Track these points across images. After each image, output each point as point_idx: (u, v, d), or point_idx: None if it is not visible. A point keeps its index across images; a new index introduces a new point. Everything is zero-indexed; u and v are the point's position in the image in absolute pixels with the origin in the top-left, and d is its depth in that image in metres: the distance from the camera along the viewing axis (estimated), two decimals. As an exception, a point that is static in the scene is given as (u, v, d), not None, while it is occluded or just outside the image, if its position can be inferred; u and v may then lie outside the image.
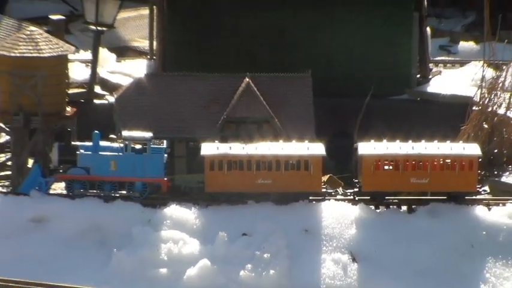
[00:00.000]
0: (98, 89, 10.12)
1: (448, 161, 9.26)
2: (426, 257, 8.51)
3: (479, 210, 8.87)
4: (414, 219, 8.83)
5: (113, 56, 12.24)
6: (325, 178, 9.34)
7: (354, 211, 8.77)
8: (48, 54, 9.19)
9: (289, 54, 10.41)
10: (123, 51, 12.46)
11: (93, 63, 9.63)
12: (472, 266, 8.75)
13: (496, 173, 9.71)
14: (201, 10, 10.17)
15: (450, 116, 10.13)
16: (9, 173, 9.03)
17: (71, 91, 9.55)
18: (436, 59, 11.82)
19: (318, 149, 9.01)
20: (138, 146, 8.84)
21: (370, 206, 8.90)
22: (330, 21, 10.67)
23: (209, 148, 8.96)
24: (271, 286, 7.90)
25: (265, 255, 8.19)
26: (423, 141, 9.55)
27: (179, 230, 8.37)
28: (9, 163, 9.44)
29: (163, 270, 8.12)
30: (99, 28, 10.05)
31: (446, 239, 8.69)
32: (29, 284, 7.06)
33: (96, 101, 9.96)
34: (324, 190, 9.10)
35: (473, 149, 9.40)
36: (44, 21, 11.34)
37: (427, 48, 10.77)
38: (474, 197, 9.15)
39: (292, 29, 10.56)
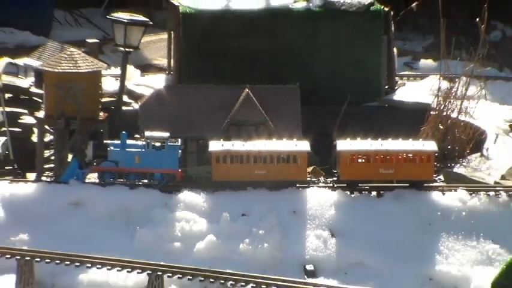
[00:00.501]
0: (125, 98, 10.19)
1: (410, 155, 9.30)
2: (391, 233, 8.48)
3: (435, 195, 8.92)
4: (382, 202, 8.86)
5: (138, 71, 12.22)
6: (309, 169, 9.36)
7: (333, 196, 8.79)
8: (85, 70, 9.25)
9: (282, 70, 10.43)
10: (146, 67, 12.45)
11: (122, 77, 9.65)
12: (429, 240, 8.74)
13: (449, 165, 9.75)
14: (210, 35, 10.18)
15: (412, 119, 10.22)
16: (52, 165, 9.13)
17: (103, 100, 9.65)
18: (401, 73, 11.93)
19: (304, 146, 9.03)
20: (157, 144, 8.95)
21: (346, 192, 8.91)
22: (316, 46, 10.67)
23: (215, 145, 8.99)
24: (265, 257, 7.92)
25: (260, 232, 8.22)
26: (390, 139, 9.64)
27: (190, 212, 8.43)
28: (52, 158, 9.50)
29: (177, 244, 8.13)
30: (126, 49, 10.06)
31: (408, 218, 8.68)
32: (68, 256, 7.07)
33: (124, 108, 10.03)
34: (308, 179, 9.15)
35: (430, 146, 9.45)
36: (82, 43, 11.41)
37: (394, 64, 10.80)
38: (431, 184, 9.23)
39: (284, 51, 10.58)
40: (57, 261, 6.72)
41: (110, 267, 6.81)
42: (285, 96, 9.50)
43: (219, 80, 9.54)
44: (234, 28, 10.03)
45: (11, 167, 9.13)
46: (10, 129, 9.34)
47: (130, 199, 8.46)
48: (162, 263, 6.52)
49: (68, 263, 6.72)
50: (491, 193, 8.59)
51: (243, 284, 6.43)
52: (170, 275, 6.53)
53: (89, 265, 6.84)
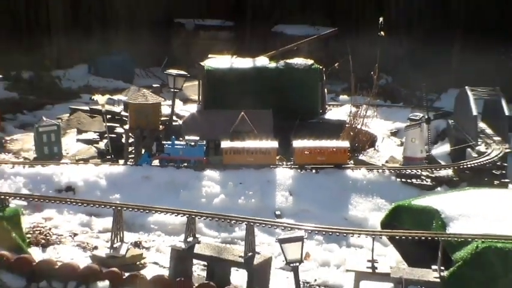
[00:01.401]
0: (174, 118, 10.30)
1: (334, 149, 9.51)
2: (323, 194, 8.45)
3: (348, 172, 8.80)
4: (318, 176, 8.84)
5: (181, 103, 12.31)
6: (277, 158, 9.50)
7: (290, 172, 8.76)
8: (151, 102, 9.39)
9: (265, 101, 10.26)
10: (186, 100, 12.61)
11: (172, 106, 9.76)
12: (345, 198, 8.51)
13: (356, 155, 9.57)
14: (222, 81, 10.26)
15: (335, 130, 10.09)
16: (133, 156, 9.09)
17: (162, 118, 9.82)
18: (329, 103, 11.98)
19: (274, 144, 8.88)
20: (192, 143, 8.82)
21: (298, 170, 8.86)
22: (283, 87, 10.48)
23: (225, 144, 8.92)
24: (253, 207, 7.92)
25: (250, 193, 8.26)
26: (323, 140, 9.83)
27: (210, 181, 8.46)
28: (133, 152, 9.52)
29: (203, 200, 8.17)
30: (175, 90, 10.25)
31: (333, 185, 8.65)
32: (142, 206, 7.24)
33: (173, 123, 10.12)
34: (277, 163, 9.35)
35: (345, 144, 9.56)
36: (149, 87, 11.49)
37: (325, 98, 10.81)
38: (346, 166, 9.04)
39: (265, 90, 10.28)
40: (135, 210, 6.69)
41: (165, 213, 6.79)
42: (264, 116, 9.64)
43: (227, 107, 9.65)
44: (235, 78, 10.12)
45: (109, 157, 9.34)
46: (110, 135, 9.66)
47: (177, 175, 8.53)
48: (194, 211, 6.43)
49: (142, 211, 6.72)
50: (380, 170, 8.70)
51: (240, 222, 6.46)
52: (199, 217, 6.50)
53: (153, 212, 6.85)
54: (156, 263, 6.15)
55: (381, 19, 10.78)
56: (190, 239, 5.78)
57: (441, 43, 13.98)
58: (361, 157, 9.24)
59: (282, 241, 4.99)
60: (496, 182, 7.67)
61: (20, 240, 5.68)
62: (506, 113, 8.91)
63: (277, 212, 7.68)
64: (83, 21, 12.00)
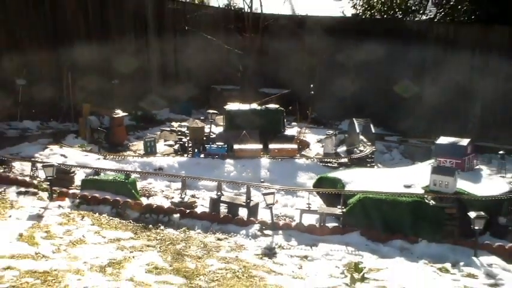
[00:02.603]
0: (211, 134, 9.18)
1: (290, 148, 8.36)
2: (285, 172, 7.73)
3: (297, 160, 8.07)
4: (282, 162, 8.06)
5: (214, 126, 9.54)
6: (262, 153, 8.28)
7: (268, 160, 8.05)
8: (199, 126, 8.77)
9: (257, 125, 8.92)
10: (217, 125, 10.89)
11: (210, 128, 9.01)
12: (295, 175, 7.75)
13: (300, 152, 8.70)
14: (235, 116, 9.20)
15: (290, 139, 9.03)
16: (191, 152, 8.24)
17: (205, 134, 8.76)
18: (287, 126, 10.01)
19: (260, 146, 8.41)
20: (219, 146, 8.12)
21: (272, 159, 8.02)
22: (264, 121, 9.20)
23: (236, 146, 8.25)
24: (249, 177, 7.42)
25: (248, 170, 7.78)
26: (284, 144, 8.45)
27: (228, 165, 7.89)
28: (191, 150, 8.49)
29: (225, 174, 7.61)
30: (211, 120, 9.20)
31: (290, 168, 7.91)
32: (194, 177, 6.69)
33: (211, 136, 8.99)
34: (261, 156, 8.16)
35: (295, 146, 8.58)
36: (199, 119, 10.32)
37: (285, 123, 9.76)
38: (297, 157, 8.19)
39: (257, 121, 9.08)
40: (192, 179, 6.53)
41: (207, 180, 6.60)
42: (254, 133, 8.92)
43: (237, 129, 8.98)
44: (241, 114, 9.31)
45: (179, 153, 8.54)
46: (179, 142, 8.85)
47: (212, 162, 7.99)
48: (221, 179, 6.21)
49: (195, 179, 6.57)
50: (312, 159, 8.22)
51: (243, 184, 6.08)
52: (223, 182, 6.24)
53: (201, 180, 6.63)
54: (202, 205, 6.05)
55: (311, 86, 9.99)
56: (219, 193, 5.75)
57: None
58: (302, 153, 9.00)
59: (264, 194, 4.99)
60: (368, 165, 7.96)
61: (136, 194, 5.75)
62: (373, 131, 8.91)
63: (262, 180, 7.47)
64: (169, 78, 11.42)
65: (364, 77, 9.63)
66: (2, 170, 5.27)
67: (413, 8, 8.05)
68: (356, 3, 9.17)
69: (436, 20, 8.36)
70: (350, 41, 9.53)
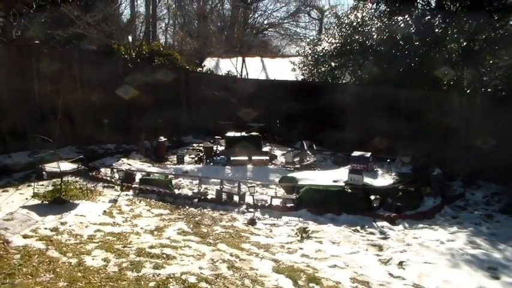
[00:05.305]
0: (218, 151, 9.76)
1: (264, 159, 7.47)
2: (261, 174, 6.73)
3: (270, 166, 7.52)
4: (260, 168, 7.25)
5: (218, 146, 9.28)
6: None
7: (251, 167, 7.25)
8: (210, 146, 9.42)
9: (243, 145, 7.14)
10: (221, 145, 9.39)
11: (217, 147, 9.58)
12: (267, 175, 7.15)
13: (271, 162, 7.43)
14: (232, 140, 8.65)
15: (266, 154, 8.65)
16: (208, 160, 8.43)
17: (214, 150, 7.12)
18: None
19: (246, 157, 7.36)
20: (223, 158, 7.53)
21: (253, 166, 6.97)
22: (248, 141, 7.42)
23: (232, 157, 8.19)
24: (240, 177, 6.23)
25: (239, 173, 7.28)
26: (262, 157, 6.93)
27: (227, 169, 7.87)
28: (206, 159, 7.70)
29: (225, 175, 7.98)
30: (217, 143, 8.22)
31: (264, 171, 7.08)
32: (207, 177, 7.16)
33: (218, 152, 8.29)
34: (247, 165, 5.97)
35: (268, 157, 7.55)
36: (209, 141, 8.57)
37: (262, 145, 7.47)
38: (269, 165, 8.83)
39: (245, 142, 7.56)
40: (206, 177, 6.87)
41: (214, 179, 6.87)
42: (244, 150, 9.02)
43: (234, 147, 8.92)
44: (235, 139, 9.38)
45: (199, 162, 8.74)
46: (199, 154, 7.93)
47: (218, 167, 8.19)
48: (223, 178, 6.54)
49: (206, 179, 6.75)
50: (279, 165, 8.47)
51: (236, 181, 6.36)
52: (224, 180, 6.45)
53: (211, 178, 6.89)
54: (211, 194, 5.45)
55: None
56: (221, 186, 6.05)
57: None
58: (272, 162, 9.54)
59: (249, 187, 4.98)
60: (312, 169, 8.48)
61: (172, 187, 6.05)
62: (315, 148, 10.10)
63: (248, 178, 7.64)
64: (191, 118, 11.43)
65: (307, 118, 8.57)
66: (94, 173, 5.73)
67: (337, 76, 9.01)
68: (304, 73, 9.72)
69: (350, 83, 8.85)
70: (302, 95, 9.05)
